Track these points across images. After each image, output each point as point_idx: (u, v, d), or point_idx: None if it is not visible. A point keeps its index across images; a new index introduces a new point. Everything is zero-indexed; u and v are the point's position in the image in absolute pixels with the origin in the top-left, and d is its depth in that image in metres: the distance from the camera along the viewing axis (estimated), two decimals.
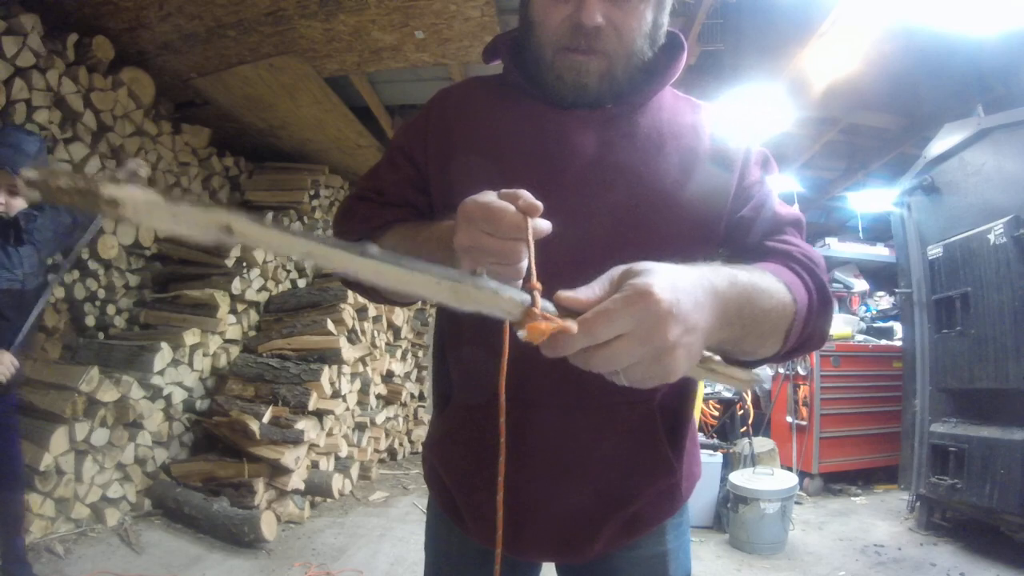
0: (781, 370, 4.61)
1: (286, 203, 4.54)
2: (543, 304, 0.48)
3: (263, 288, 4.16)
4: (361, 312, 4.27)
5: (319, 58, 3.39)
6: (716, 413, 4.33)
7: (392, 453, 4.96)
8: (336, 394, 3.89)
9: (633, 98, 0.82)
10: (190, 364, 3.57)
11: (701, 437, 3.95)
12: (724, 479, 3.55)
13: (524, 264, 0.56)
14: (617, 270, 0.50)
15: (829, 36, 2.96)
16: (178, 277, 3.99)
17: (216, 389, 3.74)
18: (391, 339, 4.93)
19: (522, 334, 0.47)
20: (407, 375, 5.13)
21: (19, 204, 2.15)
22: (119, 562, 2.72)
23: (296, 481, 3.46)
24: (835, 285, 5.50)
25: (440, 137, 0.84)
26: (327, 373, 3.75)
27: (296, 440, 3.43)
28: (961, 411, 3.29)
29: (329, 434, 3.82)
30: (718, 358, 0.58)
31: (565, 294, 0.48)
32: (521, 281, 0.57)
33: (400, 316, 4.92)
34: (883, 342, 4.77)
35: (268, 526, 3.03)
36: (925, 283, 3.61)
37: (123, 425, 3.10)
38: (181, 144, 4.05)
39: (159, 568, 2.73)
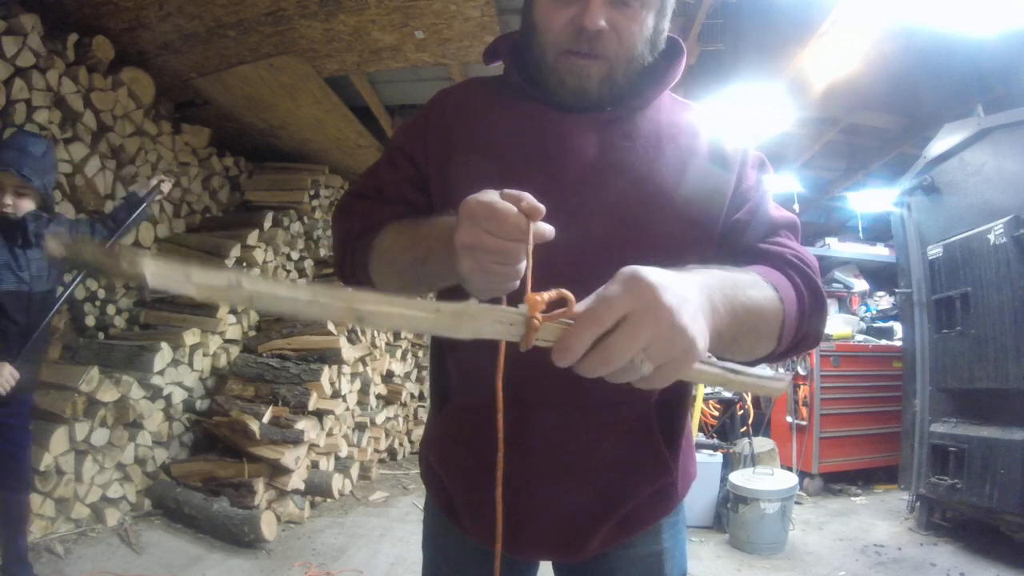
0: (781, 370, 4.61)
1: (286, 203, 4.54)
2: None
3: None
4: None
5: (319, 58, 3.39)
6: (716, 413, 4.33)
7: (392, 453, 4.96)
8: (336, 394, 3.89)
9: (633, 101, 0.83)
10: (190, 364, 3.57)
11: (701, 437, 3.95)
12: (724, 479, 3.55)
13: (523, 265, 0.56)
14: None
15: (829, 36, 2.96)
16: None
17: (216, 389, 3.74)
18: (391, 339, 4.93)
19: (523, 347, 0.48)
20: (407, 375, 5.13)
21: (26, 205, 2.13)
22: (119, 562, 2.72)
23: (296, 481, 3.46)
24: (835, 285, 5.51)
25: (440, 137, 0.84)
26: (327, 373, 3.75)
27: (296, 440, 3.44)
28: (961, 411, 3.29)
29: (329, 434, 3.82)
30: (739, 366, 0.58)
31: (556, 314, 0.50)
32: (517, 282, 0.57)
33: None
34: (883, 342, 4.77)
35: (268, 526, 3.03)
36: (925, 283, 3.61)
37: (123, 425, 3.10)
38: (181, 144, 4.05)
39: (159, 568, 2.73)
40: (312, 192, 4.72)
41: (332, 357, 3.85)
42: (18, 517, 2.27)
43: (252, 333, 4.08)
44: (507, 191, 0.57)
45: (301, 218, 4.63)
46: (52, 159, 2.28)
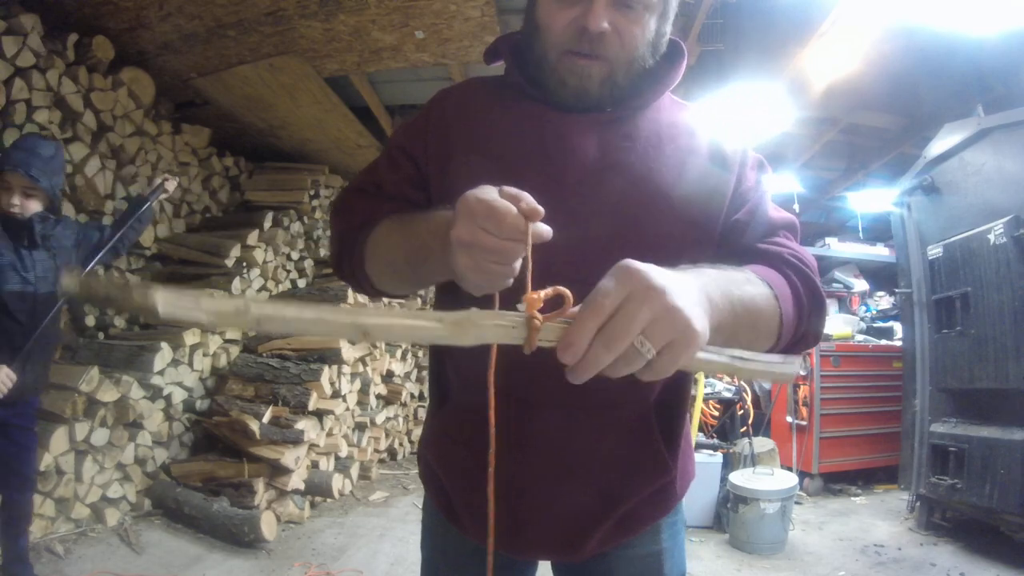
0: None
1: (286, 203, 4.54)
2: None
3: (263, 288, 4.16)
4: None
5: (319, 58, 3.39)
6: (716, 413, 4.33)
7: (392, 453, 4.96)
8: (336, 394, 3.89)
9: (633, 102, 0.83)
10: (190, 364, 3.57)
11: (701, 437, 3.94)
12: (724, 479, 3.55)
13: (519, 264, 0.56)
14: None
15: (829, 36, 2.96)
16: (178, 277, 3.99)
17: (216, 389, 3.74)
18: None
19: (527, 349, 0.49)
20: (407, 375, 5.13)
21: (34, 206, 2.13)
22: (119, 562, 2.72)
23: (296, 481, 3.46)
24: (835, 285, 5.51)
25: (440, 137, 0.84)
26: (327, 373, 3.75)
27: (296, 440, 3.44)
28: (961, 411, 3.29)
29: (329, 434, 3.82)
30: (745, 352, 0.58)
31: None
32: (512, 280, 0.57)
33: None
34: (883, 342, 4.77)
35: (268, 526, 3.03)
36: (925, 283, 3.61)
37: (123, 425, 3.10)
38: (181, 144, 4.05)
39: (159, 568, 2.73)
40: (312, 192, 4.72)
41: (332, 357, 3.85)
42: (21, 517, 2.27)
43: (252, 333, 4.08)
44: (506, 189, 0.56)
45: (301, 218, 4.64)
46: (60, 161, 2.28)
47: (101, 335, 3.57)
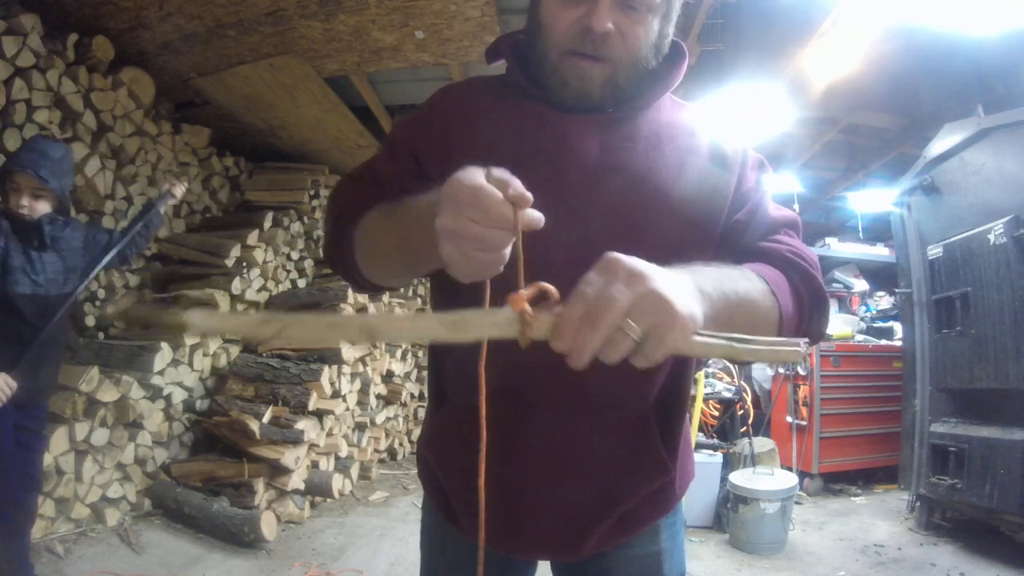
0: (781, 370, 4.61)
1: (286, 203, 4.54)
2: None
3: (263, 288, 4.16)
4: (361, 312, 4.27)
5: (319, 58, 3.39)
6: (716, 413, 4.33)
7: (392, 453, 4.96)
8: (336, 394, 3.89)
9: (634, 103, 0.83)
10: (190, 364, 3.57)
11: (701, 437, 3.95)
12: (724, 479, 3.55)
13: (507, 252, 0.55)
14: None
15: (829, 36, 2.96)
16: (178, 277, 3.99)
17: (216, 389, 3.74)
18: None
19: (523, 343, 0.50)
20: (407, 375, 5.13)
21: (43, 208, 2.12)
22: (119, 562, 2.72)
23: (296, 481, 3.46)
24: (835, 285, 5.51)
25: (441, 135, 0.84)
26: (327, 373, 3.75)
27: (296, 440, 3.44)
28: (961, 411, 3.29)
29: (329, 434, 3.82)
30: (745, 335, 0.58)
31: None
32: (502, 267, 0.56)
33: None
34: (883, 342, 4.77)
35: (268, 526, 3.03)
36: (925, 283, 3.61)
37: (123, 425, 3.10)
38: (181, 144, 4.05)
39: (159, 568, 2.73)
40: (312, 192, 4.72)
41: (332, 357, 3.85)
42: (24, 516, 2.27)
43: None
44: (494, 172, 0.54)
45: (301, 218, 4.63)
46: (69, 162, 2.27)
47: (101, 335, 3.57)
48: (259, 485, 3.28)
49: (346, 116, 4.11)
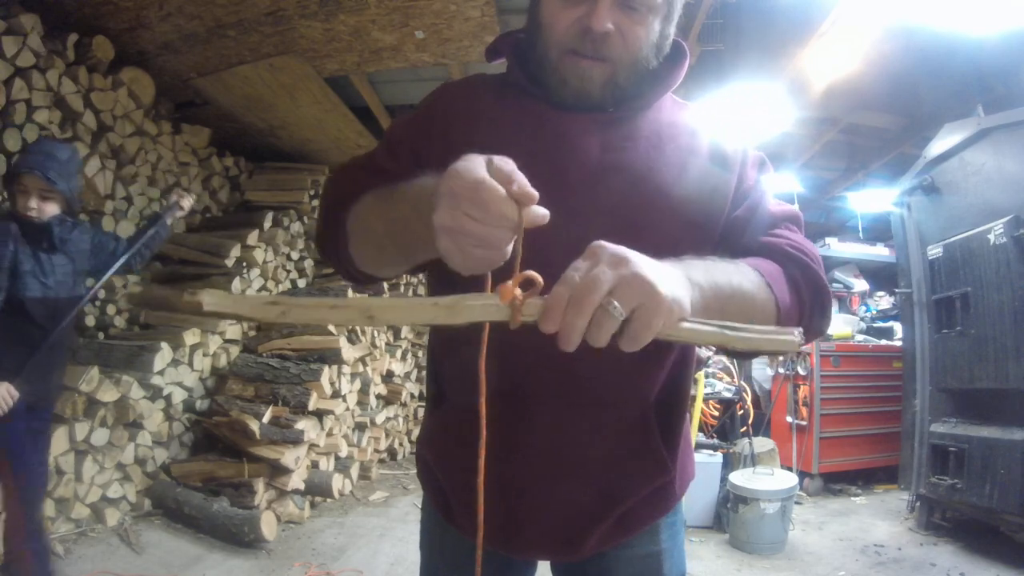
0: (781, 370, 4.61)
1: (286, 203, 4.54)
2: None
3: (263, 288, 4.16)
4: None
5: (319, 58, 3.39)
6: (716, 413, 4.33)
7: (392, 453, 4.96)
8: (336, 394, 3.89)
9: (634, 103, 0.83)
10: (190, 364, 3.57)
11: (701, 437, 3.95)
12: (724, 479, 3.55)
13: (508, 249, 0.54)
14: None
15: (829, 36, 2.96)
16: (178, 277, 3.99)
17: (216, 389, 3.74)
18: (391, 339, 4.94)
19: (512, 325, 0.52)
20: (407, 375, 5.13)
21: (51, 210, 2.11)
22: (119, 562, 2.72)
23: (296, 481, 3.46)
24: (835, 285, 5.51)
25: (442, 133, 0.83)
26: (327, 373, 3.75)
27: (296, 440, 3.43)
28: (961, 411, 3.29)
29: (329, 434, 3.82)
30: (737, 323, 0.58)
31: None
32: (503, 261, 0.56)
33: None
34: (883, 342, 4.77)
35: (268, 526, 3.03)
36: (925, 283, 3.61)
37: (123, 425, 3.10)
38: (181, 144, 4.04)
39: (159, 568, 2.73)
40: (312, 192, 4.71)
41: (332, 357, 3.85)
42: (42, 519, 2.26)
43: (252, 333, 4.08)
44: (496, 163, 0.52)
45: (301, 218, 4.63)
46: (77, 164, 2.26)
47: (101, 335, 3.57)
48: (259, 485, 3.28)
49: (346, 116, 4.11)
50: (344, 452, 3.99)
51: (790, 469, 4.09)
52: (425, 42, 3.22)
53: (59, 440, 2.76)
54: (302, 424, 3.49)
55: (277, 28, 3.10)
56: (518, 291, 0.51)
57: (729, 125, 0.88)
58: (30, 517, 2.10)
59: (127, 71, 3.46)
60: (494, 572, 0.83)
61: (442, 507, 0.92)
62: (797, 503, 3.69)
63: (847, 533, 3.50)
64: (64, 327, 2.17)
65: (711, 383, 4.28)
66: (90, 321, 3.50)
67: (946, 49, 3.07)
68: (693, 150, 0.83)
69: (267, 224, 4.28)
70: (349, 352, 3.97)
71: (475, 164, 0.52)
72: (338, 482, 3.73)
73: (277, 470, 3.40)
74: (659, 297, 0.50)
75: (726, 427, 4.30)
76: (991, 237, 2.98)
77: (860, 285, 5.60)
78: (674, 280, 0.54)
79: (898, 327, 4.63)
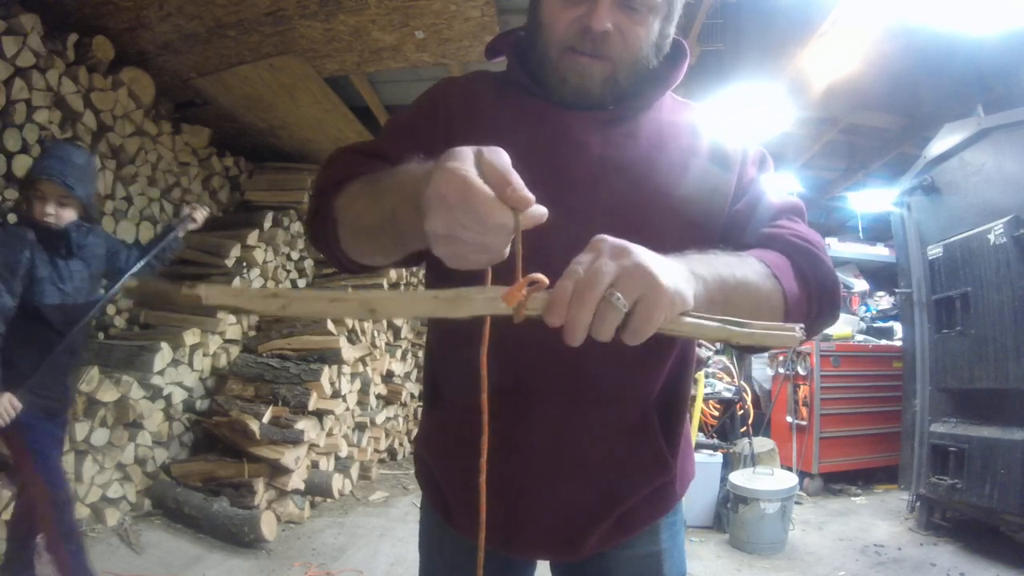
0: (781, 370, 4.61)
1: (286, 203, 4.53)
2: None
3: (263, 288, 4.16)
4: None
5: (319, 58, 3.39)
6: (716, 413, 4.33)
7: (392, 453, 4.96)
8: (336, 394, 3.89)
9: (634, 102, 0.83)
10: (190, 364, 3.57)
11: (701, 437, 3.95)
12: (724, 479, 3.55)
13: (506, 251, 0.52)
14: None
15: (829, 36, 2.96)
16: (178, 277, 3.98)
17: (216, 389, 3.74)
18: (391, 339, 4.93)
19: (517, 319, 0.51)
20: (407, 375, 5.12)
21: (69, 216, 2.10)
22: (119, 562, 2.72)
23: (296, 481, 3.46)
24: None
25: (446, 125, 0.83)
26: (327, 373, 3.75)
27: (296, 440, 3.43)
28: (961, 411, 3.29)
29: (329, 434, 3.82)
30: (740, 319, 0.57)
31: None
32: (501, 259, 0.55)
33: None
34: (883, 342, 4.77)
35: (268, 526, 3.03)
36: (925, 283, 3.61)
37: (123, 425, 3.10)
38: (181, 144, 4.04)
39: (159, 568, 2.73)
40: (312, 192, 4.71)
41: (332, 357, 3.85)
42: (33, 523, 2.26)
43: (252, 333, 4.08)
44: (488, 160, 0.50)
45: (301, 218, 4.63)
46: (94, 169, 2.27)
47: (101, 335, 3.57)
48: (259, 485, 3.28)
49: (346, 116, 4.11)
50: (344, 452, 3.99)
51: (790, 469, 4.09)
52: (425, 42, 3.22)
53: None
54: (302, 424, 3.49)
55: (277, 28, 3.10)
56: (523, 285, 0.51)
57: (730, 125, 0.88)
58: (62, 518, 2.10)
59: (127, 71, 3.46)
60: (493, 572, 0.83)
61: (441, 507, 0.91)
62: (797, 503, 3.69)
63: (847, 533, 3.50)
64: (79, 332, 2.17)
65: (711, 383, 4.28)
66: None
67: (946, 49, 3.08)
68: (694, 149, 0.83)
69: (267, 224, 4.28)
70: (349, 352, 3.97)
71: (464, 165, 0.49)
72: (338, 482, 3.73)
73: (277, 470, 3.40)
74: (661, 289, 0.50)
75: (726, 427, 4.30)
76: (991, 237, 2.98)
77: (860, 285, 5.60)
78: (676, 273, 0.54)
79: (898, 327, 4.63)
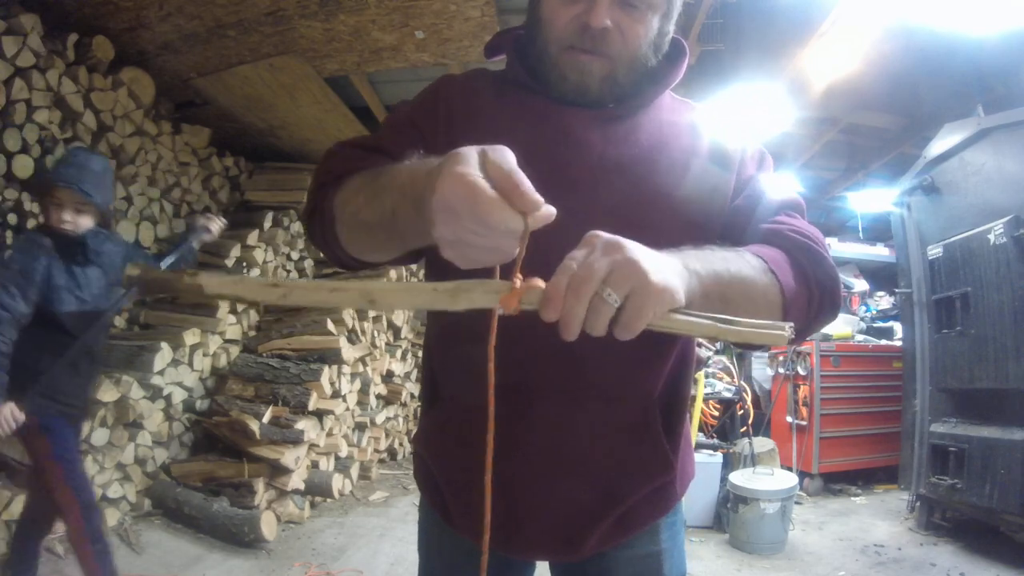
0: (781, 370, 4.61)
1: (286, 203, 4.53)
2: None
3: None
4: (361, 312, 4.27)
5: (319, 58, 3.39)
6: (716, 413, 4.33)
7: (392, 453, 4.96)
8: (336, 394, 3.89)
9: (634, 100, 0.83)
10: (190, 364, 3.57)
11: (701, 437, 3.95)
12: (724, 479, 3.55)
13: (514, 252, 0.52)
14: None
15: (829, 36, 2.96)
16: None
17: (216, 389, 3.74)
18: (391, 339, 4.93)
19: (504, 310, 0.52)
20: (407, 375, 5.13)
21: (86, 223, 2.09)
22: (119, 562, 2.68)
23: (296, 481, 3.46)
24: None
25: (446, 121, 0.83)
26: (327, 373, 3.75)
27: (296, 440, 3.43)
28: (961, 411, 3.29)
29: (329, 434, 3.82)
30: (731, 317, 0.57)
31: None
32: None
33: (400, 316, 4.92)
34: (883, 342, 4.77)
35: (268, 526, 3.03)
36: (925, 283, 3.61)
37: (123, 425, 3.10)
38: (181, 144, 4.04)
39: (159, 568, 2.73)
40: (310, 186, 4.71)
41: (332, 357, 3.85)
42: (42, 525, 2.27)
43: (252, 333, 4.08)
44: (494, 161, 0.49)
45: (300, 218, 4.63)
46: (111, 176, 2.25)
47: None
48: (259, 485, 3.28)
49: (346, 116, 4.11)
50: (344, 452, 3.99)
51: (790, 469, 4.09)
52: (425, 42, 3.22)
53: None
54: (302, 424, 3.49)
55: (277, 28, 3.10)
56: (518, 278, 0.51)
57: (730, 124, 0.88)
58: (88, 521, 2.11)
59: (127, 71, 3.46)
60: (493, 573, 0.83)
61: (439, 506, 0.91)
62: (797, 503, 3.69)
63: (847, 533, 3.50)
64: (97, 339, 2.18)
65: (711, 383, 4.28)
66: None
67: (946, 49, 3.08)
68: (694, 149, 0.83)
69: (267, 224, 4.28)
70: (349, 352, 3.97)
71: (470, 169, 0.48)
72: (338, 482, 3.73)
73: (277, 470, 3.40)
74: (651, 284, 0.51)
75: (726, 427, 4.30)
76: (991, 237, 2.98)
77: (860, 285, 5.60)
78: (669, 268, 0.54)
79: (898, 327, 4.63)
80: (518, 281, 0.51)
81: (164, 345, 3.35)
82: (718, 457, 3.67)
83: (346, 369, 3.99)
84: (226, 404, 3.56)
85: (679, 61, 0.87)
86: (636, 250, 0.52)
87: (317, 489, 3.64)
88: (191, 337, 3.55)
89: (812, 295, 0.72)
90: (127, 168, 3.57)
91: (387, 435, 4.78)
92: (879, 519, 3.72)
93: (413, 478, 1.03)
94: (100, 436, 2.96)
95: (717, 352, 4.65)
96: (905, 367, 4.02)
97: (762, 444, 4.02)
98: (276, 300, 0.51)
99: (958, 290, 3.22)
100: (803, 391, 4.35)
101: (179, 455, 3.53)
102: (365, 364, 4.34)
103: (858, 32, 2.97)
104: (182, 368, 3.50)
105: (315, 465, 3.73)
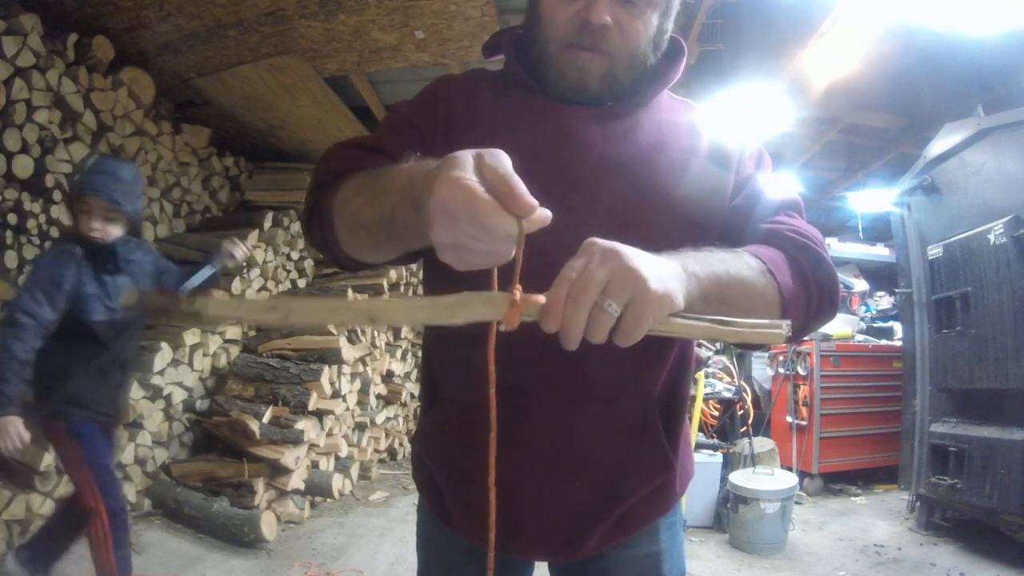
0: (781, 370, 4.61)
1: (286, 203, 4.54)
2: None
3: (263, 288, 4.16)
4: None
5: (319, 58, 3.40)
6: (716, 413, 4.33)
7: (392, 453, 4.96)
8: (336, 394, 3.89)
9: (633, 99, 0.83)
10: (190, 364, 3.57)
11: (701, 437, 3.95)
12: (724, 479, 3.54)
13: (512, 254, 0.52)
14: None
15: (829, 36, 2.96)
16: None
17: (216, 389, 3.74)
18: (391, 339, 4.93)
19: (506, 327, 0.52)
20: (407, 375, 5.13)
21: (116, 231, 2.07)
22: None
23: (296, 481, 3.46)
24: None
25: (446, 121, 0.83)
26: (327, 373, 3.75)
27: (296, 440, 3.43)
28: (961, 411, 3.29)
29: (329, 434, 3.82)
30: (728, 317, 0.57)
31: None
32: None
33: None
34: (883, 342, 4.77)
35: (268, 526, 3.03)
36: (925, 283, 3.61)
37: (123, 425, 3.10)
38: (181, 144, 4.05)
39: (159, 568, 2.73)
40: (309, 186, 4.71)
41: (332, 357, 3.85)
42: (74, 530, 2.27)
43: (252, 333, 4.08)
44: (489, 165, 0.49)
45: (300, 218, 4.63)
46: (140, 184, 2.24)
47: None
48: (259, 485, 3.28)
49: (346, 116, 4.11)
50: (344, 452, 3.99)
51: (790, 469, 4.09)
52: (425, 42, 3.22)
53: None
54: (302, 424, 3.49)
55: (277, 28, 3.11)
56: (518, 289, 0.51)
57: (729, 124, 0.88)
58: (116, 528, 2.12)
59: (127, 71, 3.46)
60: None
61: (438, 507, 0.91)
62: (797, 503, 3.69)
63: (847, 533, 3.50)
64: (123, 347, 2.17)
65: (711, 383, 4.28)
66: None
67: (946, 49, 3.08)
68: (693, 149, 0.83)
69: (267, 224, 4.28)
70: (349, 352, 3.97)
71: (466, 173, 0.49)
72: (338, 482, 3.73)
73: (277, 470, 3.40)
74: (650, 291, 0.51)
75: (726, 427, 4.30)
76: (991, 237, 2.98)
77: (860, 285, 5.60)
78: (667, 272, 0.54)
79: (898, 327, 4.63)
80: (517, 293, 0.51)
81: (164, 345, 3.35)
82: (718, 457, 3.66)
83: (346, 369, 3.99)
84: (226, 404, 3.56)
85: (678, 60, 0.87)
86: (634, 257, 0.52)
87: (317, 489, 3.64)
88: (191, 337, 3.55)
89: (811, 295, 0.72)
90: None
91: (387, 435, 4.78)
92: (879, 519, 3.72)
93: (412, 478, 1.02)
94: None
95: (717, 352, 4.65)
96: (905, 367, 4.02)
97: (762, 444, 4.02)
98: (276, 322, 0.52)
99: (958, 290, 3.22)
100: (803, 391, 4.35)
101: (179, 455, 3.53)
102: (365, 364, 4.34)
103: (858, 32, 2.97)
104: (182, 368, 3.50)
105: (315, 465, 3.73)
